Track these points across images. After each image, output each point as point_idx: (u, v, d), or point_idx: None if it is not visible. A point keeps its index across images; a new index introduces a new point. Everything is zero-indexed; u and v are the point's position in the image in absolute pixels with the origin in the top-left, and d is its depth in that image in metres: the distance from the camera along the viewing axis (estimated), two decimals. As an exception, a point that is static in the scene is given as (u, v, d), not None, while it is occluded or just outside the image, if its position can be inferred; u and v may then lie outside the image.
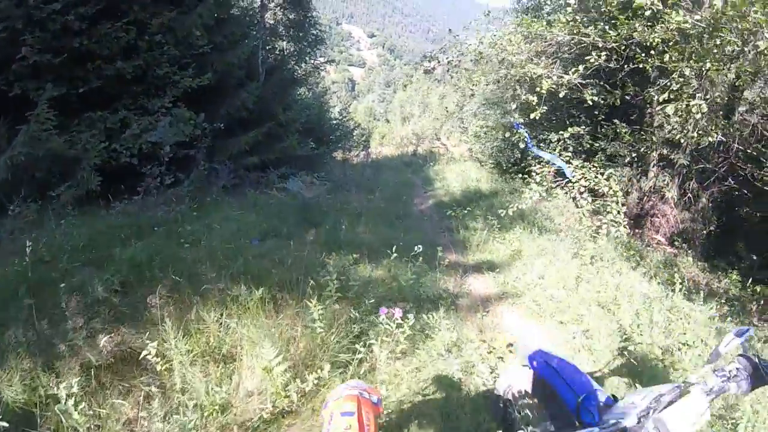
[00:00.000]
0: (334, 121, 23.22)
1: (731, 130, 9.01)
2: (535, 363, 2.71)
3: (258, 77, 13.89)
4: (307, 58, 19.56)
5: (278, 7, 17.73)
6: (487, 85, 12.70)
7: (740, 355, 1.92)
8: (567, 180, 8.61)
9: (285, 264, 5.21)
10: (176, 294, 4.30)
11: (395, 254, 5.36)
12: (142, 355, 3.23)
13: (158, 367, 3.28)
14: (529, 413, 2.87)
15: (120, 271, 4.75)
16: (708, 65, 7.46)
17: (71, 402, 2.67)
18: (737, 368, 1.87)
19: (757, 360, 1.86)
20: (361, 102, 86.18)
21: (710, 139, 8.11)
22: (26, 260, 4.05)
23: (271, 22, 17.66)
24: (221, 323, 3.90)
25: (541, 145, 11.47)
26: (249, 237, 6.42)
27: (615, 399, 2.18)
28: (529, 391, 2.82)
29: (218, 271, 4.76)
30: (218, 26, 11.14)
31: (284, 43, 18.52)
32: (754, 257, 9.28)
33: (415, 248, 5.50)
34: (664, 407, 1.80)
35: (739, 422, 3.52)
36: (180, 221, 6.80)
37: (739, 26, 6.38)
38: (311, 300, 3.78)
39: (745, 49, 7.06)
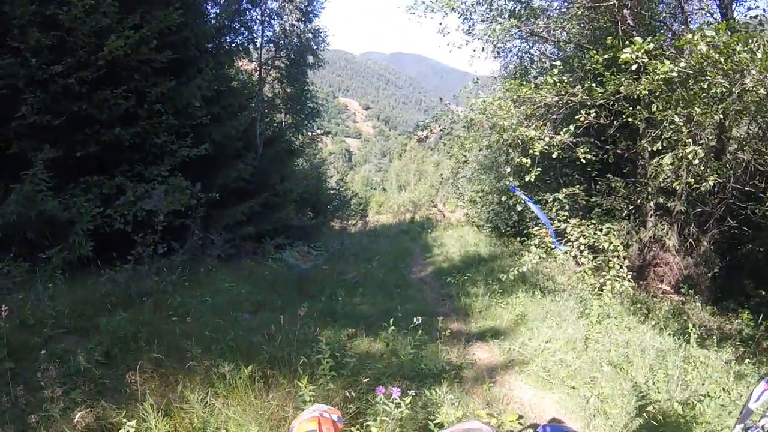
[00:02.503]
0: (331, 191, 23.47)
1: (724, 170, 9.00)
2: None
3: (256, 148, 14.12)
4: (304, 130, 20.04)
5: (276, 81, 18.33)
6: (480, 150, 12.84)
7: None
8: (566, 240, 8.46)
9: (276, 339, 4.97)
10: (161, 369, 4.08)
11: (393, 327, 5.16)
12: (119, 432, 2.99)
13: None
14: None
15: (104, 341, 4.61)
16: (696, 110, 7.50)
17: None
18: None
19: None
20: (358, 172, 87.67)
21: (709, 184, 8.06)
22: (8, 324, 3.95)
23: (269, 95, 18.21)
24: (206, 403, 3.63)
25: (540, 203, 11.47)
26: (241, 310, 6.23)
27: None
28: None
29: (206, 347, 4.55)
30: (217, 98, 11.40)
31: (282, 115, 19.03)
32: (763, 293, 9.09)
33: (414, 320, 5.29)
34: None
35: None
36: (170, 292, 6.63)
37: (725, 67, 6.42)
38: (302, 380, 3.52)
39: (733, 89, 7.12)
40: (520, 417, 4.22)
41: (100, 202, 8.18)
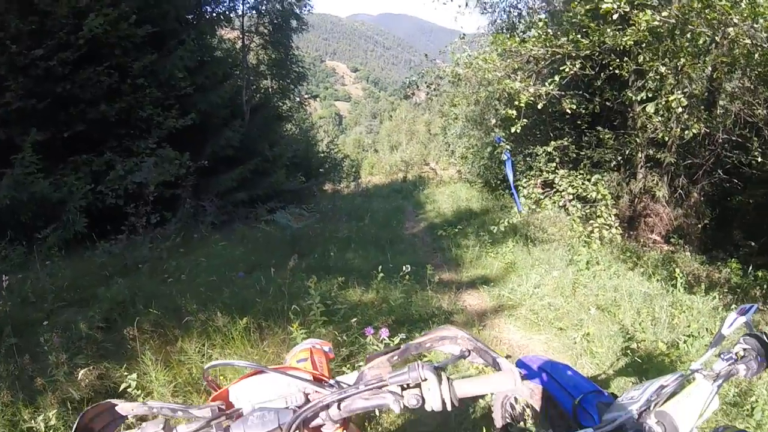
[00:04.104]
0: (322, 154, 23.34)
1: (714, 122, 9.04)
2: (530, 368, 2.59)
3: (243, 115, 14.03)
4: (291, 95, 19.79)
5: (260, 47, 18.04)
6: (468, 105, 12.79)
7: (747, 334, 1.77)
8: (554, 191, 8.55)
9: (269, 293, 5.09)
10: (159, 329, 4.20)
11: (382, 275, 5.27)
12: (122, 388, 3.12)
13: (139, 400, 3.13)
14: (528, 422, 2.74)
15: (103, 308, 4.72)
16: (683, 61, 7.50)
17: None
18: (744, 349, 1.72)
19: (765, 338, 1.73)
20: (349, 135, 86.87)
21: (693, 131, 8.13)
22: (9, 302, 4.06)
23: (254, 62, 17.94)
24: (203, 354, 3.78)
25: (527, 159, 11.50)
26: (235, 271, 6.31)
27: (615, 397, 2.05)
28: (528, 400, 2.69)
29: (202, 304, 4.65)
30: (201, 68, 11.34)
31: (268, 81, 18.76)
32: (752, 244, 9.27)
33: (404, 268, 5.41)
34: (667, 399, 1.67)
35: (755, 406, 3.38)
36: (165, 258, 6.74)
37: (708, 17, 6.41)
38: (294, 325, 3.64)
39: (716, 38, 7.11)
40: (509, 356, 4.37)
41: (90, 179, 8.26)
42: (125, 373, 3.19)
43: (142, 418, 1.04)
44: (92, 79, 8.32)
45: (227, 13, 15.92)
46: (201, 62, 11.47)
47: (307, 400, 1.04)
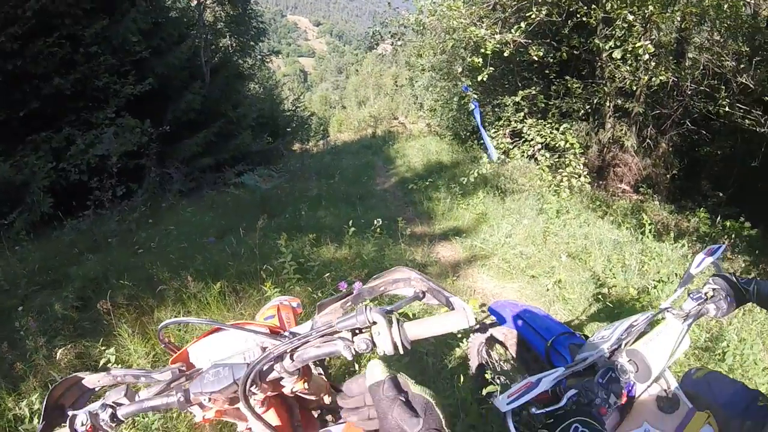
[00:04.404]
0: (288, 113, 22.87)
1: (683, 72, 9.10)
2: (502, 314, 2.63)
3: (203, 77, 13.59)
4: (251, 53, 19.19)
5: (216, 3, 17.30)
6: (434, 55, 12.58)
7: (715, 275, 1.81)
8: (524, 140, 8.57)
9: (241, 256, 5.04)
10: (133, 300, 4.17)
11: (354, 230, 5.26)
12: (101, 364, 3.12)
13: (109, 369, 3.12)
14: (504, 366, 2.80)
15: (76, 287, 4.68)
16: (651, 9, 7.47)
17: (37, 420, 2.57)
18: (714, 289, 1.75)
19: (734, 278, 1.75)
20: (315, 92, 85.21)
21: (661, 79, 8.17)
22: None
23: (211, 19, 17.24)
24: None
25: (496, 110, 11.47)
26: (205, 237, 6.27)
27: (587, 338, 2.09)
28: (503, 344, 2.75)
29: (174, 272, 4.62)
30: (155, 30, 10.91)
31: (227, 39, 18.11)
32: (720, 194, 9.51)
33: (375, 222, 5.42)
34: (637, 338, 1.71)
35: (726, 351, 3.50)
36: (134, 230, 6.67)
37: None
38: (266, 284, 3.63)
39: None
40: (483, 305, 4.45)
41: (51, 157, 8.02)
42: (103, 348, 3.19)
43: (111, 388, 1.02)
44: (43, 52, 8.00)
45: (181, -32, 15.29)
46: (155, 24, 11.01)
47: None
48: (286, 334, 1.10)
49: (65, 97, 8.49)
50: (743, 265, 6.58)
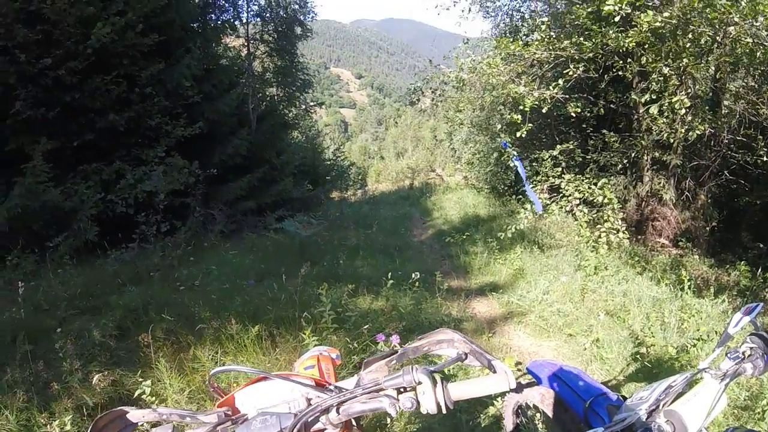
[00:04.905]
0: (329, 162, 23.38)
1: (719, 122, 9.05)
2: (539, 374, 2.61)
3: (250, 123, 14.13)
4: (296, 102, 19.88)
5: (265, 55, 18.15)
6: (473, 111, 12.82)
7: (753, 333, 1.80)
8: (561, 195, 8.56)
9: (280, 301, 5.13)
10: (172, 336, 4.24)
11: (392, 282, 5.29)
12: (136, 394, 3.16)
13: (153, 406, 3.18)
14: (539, 427, 2.76)
15: (116, 316, 4.76)
16: (685, 61, 7.53)
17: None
18: (751, 347, 1.75)
19: None
20: (355, 142, 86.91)
21: (697, 132, 8.16)
22: (23, 310, 4.09)
23: (259, 69, 18.05)
24: (216, 361, 3.81)
25: (533, 164, 11.52)
26: (246, 279, 6.36)
27: (625, 399, 2.07)
28: (539, 405, 2.71)
29: (214, 312, 4.70)
30: (207, 76, 11.43)
31: (273, 89, 18.88)
32: (761, 245, 9.25)
33: (413, 275, 5.44)
34: (675, 398, 1.70)
35: (766, 410, 3.39)
36: (176, 266, 6.80)
37: (709, 16, 6.46)
38: (305, 331, 3.68)
39: (717, 38, 7.14)
40: (519, 363, 4.39)
41: (100, 188, 8.29)
42: (140, 380, 3.23)
43: (154, 425, 1.06)
44: (101, 88, 8.38)
45: (232, 20, 16.08)
46: (207, 71, 11.57)
47: (309, 405, 1.06)
48: (332, 387, 1.14)
49: (118, 133, 8.82)
50: (787, 318, 6.33)
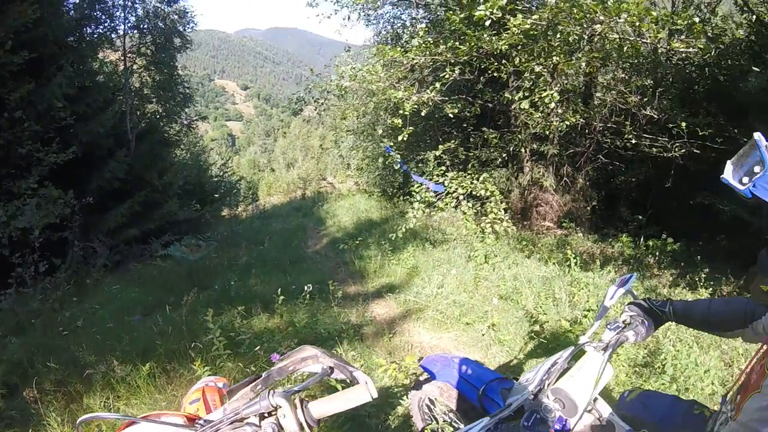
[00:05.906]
0: (216, 179, 22.55)
1: (592, 112, 9.83)
2: (433, 369, 2.68)
3: (128, 144, 13.25)
4: (177, 118, 18.98)
5: (143, 69, 17.13)
6: (357, 117, 12.96)
7: (630, 303, 1.98)
8: (446, 192, 8.86)
9: (169, 334, 4.90)
10: (62, 386, 3.95)
11: (283, 297, 5.25)
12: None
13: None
14: (445, 418, 2.83)
15: (1, 372, 4.41)
16: (556, 59, 8.10)
17: None
18: (630, 316, 1.92)
19: (647, 304, 1.92)
20: (243, 155, 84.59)
21: (571, 121, 8.82)
22: None
23: (137, 85, 17.02)
24: (109, 407, 3.59)
25: (419, 165, 11.85)
26: (132, 314, 6.04)
27: (516, 381, 2.16)
28: (440, 398, 2.77)
29: (101, 354, 4.40)
30: (81, 95, 10.65)
31: (153, 105, 17.87)
32: (640, 217, 10.09)
33: (306, 288, 5.39)
34: (560, 375, 1.80)
35: (665, 363, 3.70)
36: (59, 309, 6.34)
37: (577, 16, 6.99)
38: (195, 363, 3.54)
39: (585, 36, 7.73)
40: (421, 359, 4.47)
41: (-31, 230, 7.48)
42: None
43: None
44: (-36, 116, 7.58)
45: (108, 33, 15.15)
46: (81, 89, 10.78)
47: None
48: (201, 422, 1.11)
49: (-15, 165, 8.03)
50: (671, 278, 7.00)
